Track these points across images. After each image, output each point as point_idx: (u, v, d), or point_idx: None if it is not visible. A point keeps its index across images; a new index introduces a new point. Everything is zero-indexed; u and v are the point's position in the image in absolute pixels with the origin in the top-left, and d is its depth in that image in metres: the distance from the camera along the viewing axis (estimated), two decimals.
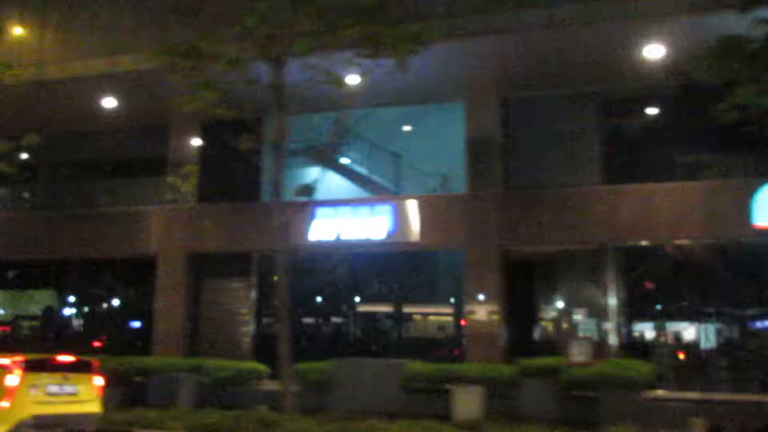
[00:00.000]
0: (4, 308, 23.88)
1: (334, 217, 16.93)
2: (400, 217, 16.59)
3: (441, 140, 18.46)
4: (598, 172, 16.20)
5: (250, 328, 17.58)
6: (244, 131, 18.02)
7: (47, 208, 20.26)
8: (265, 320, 17.73)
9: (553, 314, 17.23)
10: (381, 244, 16.66)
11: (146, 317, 18.30)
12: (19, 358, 10.10)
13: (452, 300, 17.66)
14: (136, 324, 19.22)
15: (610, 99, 16.46)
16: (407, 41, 11.68)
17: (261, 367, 14.54)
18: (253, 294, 17.80)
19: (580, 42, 14.42)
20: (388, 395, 12.88)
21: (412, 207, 16.58)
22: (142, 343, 17.91)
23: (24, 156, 18.02)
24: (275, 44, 12.31)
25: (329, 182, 19.26)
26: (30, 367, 10.18)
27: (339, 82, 12.49)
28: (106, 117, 18.16)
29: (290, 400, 11.10)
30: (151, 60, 13.79)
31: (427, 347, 16.67)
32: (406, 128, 19.81)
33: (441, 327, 18.59)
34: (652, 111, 16.79)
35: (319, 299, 18.66)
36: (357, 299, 18.52)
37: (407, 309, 18.40)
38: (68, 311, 20.56)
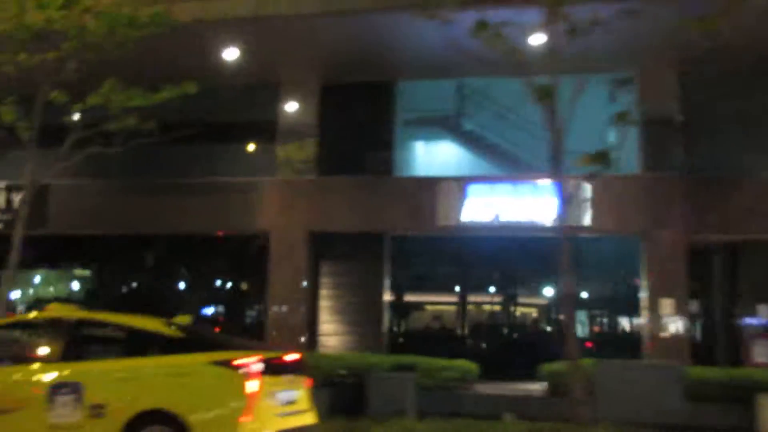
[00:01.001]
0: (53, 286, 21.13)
1: (490, 195, 14.71)
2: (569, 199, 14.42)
3: (589, 115, 16.42)
4: None
5: (384, 320, 15.24)
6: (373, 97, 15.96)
7: (133, 175, 17.41)
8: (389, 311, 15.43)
9: (734, 309, 15.35)
10: (545, 228, 14.49)
11: (247, 302, 15.86)
12: (254, 356, 7.60)
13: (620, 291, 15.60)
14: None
15: None
16: None
17: (473, 366, 12.26)
18: (386, 280, 15.44)
19: None
20: (668, 404, 10.76)
21: (582, 187, 14.44)
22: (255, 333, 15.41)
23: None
24: None
25: (462, 157, 17.08)
26: (267, 368, 7.72)
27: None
28: (219, 73, 15.44)
29: (587, 410, 8.85)
30: None
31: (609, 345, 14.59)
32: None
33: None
34: None
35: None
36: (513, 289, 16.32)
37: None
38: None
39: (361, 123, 15.78)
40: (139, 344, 7.91)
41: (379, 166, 15.78)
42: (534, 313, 17.83)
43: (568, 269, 9.44)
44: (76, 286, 25.66)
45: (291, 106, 16.11)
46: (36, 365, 7.81)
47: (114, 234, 16.83)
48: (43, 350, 8.05)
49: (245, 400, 7.29)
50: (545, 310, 17.56)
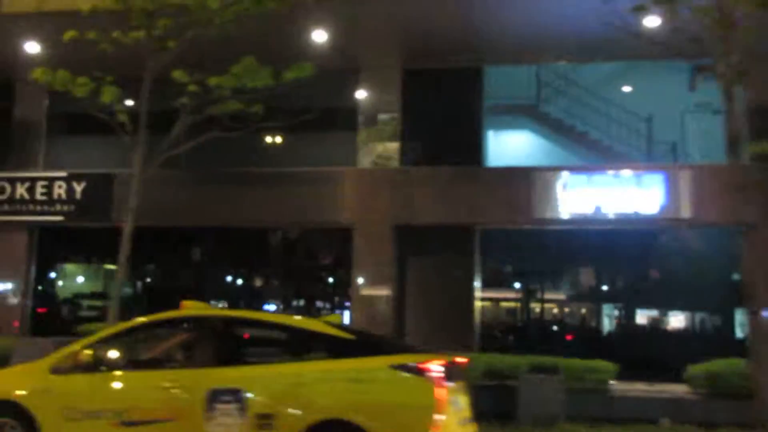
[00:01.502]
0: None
1: (589, 186, 13.96)
2: (673, 189, 13.71)
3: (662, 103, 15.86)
4: None
5: (474, 317, 14.47)
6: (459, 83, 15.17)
7: (203, 166, 16.48)
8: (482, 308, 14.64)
9: None
10: (650, 219, 13.76)
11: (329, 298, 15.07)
12: (438, 361, 6.82)
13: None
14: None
15: None
16: None
17: (612, 366, 11.47)
18: (477, 276, 14.66)
19: None
20: None
21: (689, 177, 13.72)
22: None
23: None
24: None
25: (545, 146, 16.35)
26: (448, 373, 6.95)
27: None
28: (298, 58, 14.58)
29: None
30: None
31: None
32: (626, 88, 16.96)
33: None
34: None
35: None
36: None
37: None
38: None
39: (446, 110, 14.99)
40: (304, 346, 7.15)
41: (467, 156, 15.00)
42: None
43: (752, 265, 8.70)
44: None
45: (372, 93, 15.30)
46: (186, 370, 7.04)
47: (185, 226, 16.02)
48: (193, 353, 7.27)
49: (434, 408, 6.55)
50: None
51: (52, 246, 16.73)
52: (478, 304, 14.56)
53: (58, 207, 15.80)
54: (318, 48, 14.08)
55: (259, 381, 6.72)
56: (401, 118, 15.05)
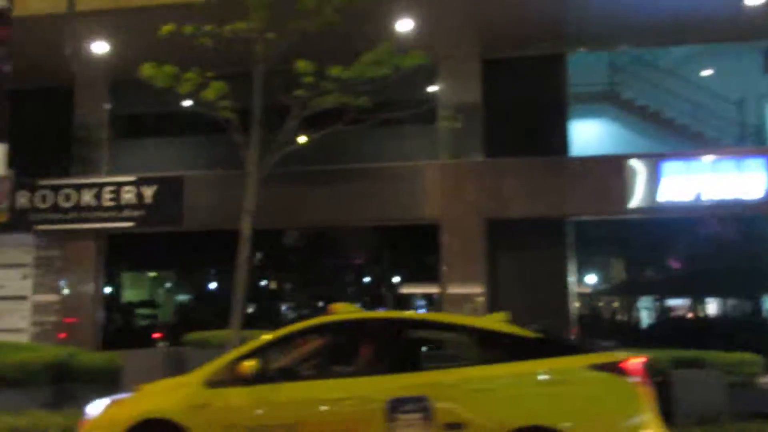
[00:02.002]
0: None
1: (687, 173, 13.43)
2: None
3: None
4: None
5: (570, 311, 13.93)
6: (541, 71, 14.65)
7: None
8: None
9: None
10: (754, 205, 13.23)
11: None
12: (639, 358, 6.29)
13: None
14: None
15: None
16: None
17: (757, 357, 10.89)
18: (571, 270, 14.13)
19: None
20: None
21: None
22: None
23: None
24: None
25: (628, 133, 15.80)
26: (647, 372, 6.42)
27: None
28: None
29: None
30: None
31: None
32: (706, 72, 16.42)
33: None
34: None
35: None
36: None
37: None
38: None
39: (528, 99, 14.47)
40: (489, 348, 6.60)
41: (552, 146, 14.49)
42: None
43: None
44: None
45: (451, 84, 14.77)
46: (359, 378, 6.48)
47: (268, 228, 15.51)
48: (364, 360, 6.73)
49: (644, 412, 6.04)
50: None
51: (114, 254, 16.21)
52: (573, 298, 14.04)
53: (127, 212, 15.30)
54: (399, 38, 13.54)
55: (443, 387, 6.18)
56: (483, 109, 14.51)
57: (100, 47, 14.33)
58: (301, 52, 10.16)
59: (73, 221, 15.46)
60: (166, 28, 10.06)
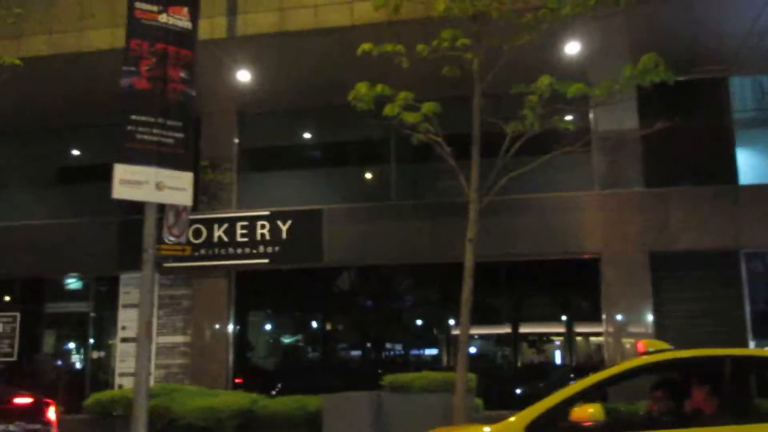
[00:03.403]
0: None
1: None
2: None
3: None
4: None
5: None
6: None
7: (406, 196, 15.31)
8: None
9: None
10: None
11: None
12: None
13: None
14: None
15: None
16: None
17: None
18: (746, 305, 13.26)
19: None
20: None
21: None
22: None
23: None
24: None
25: None
26: None
27: None
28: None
29: None
30: None
31: None
32: None
33: None
34: None
35: None
36: None
37: None
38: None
39: (690, 125, 13.75)
40: None
41: (717, 174, 13.76)
42: None
43: None
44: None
45: (605, 110, 14.09)
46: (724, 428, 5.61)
47: (394, 264, 14.87)
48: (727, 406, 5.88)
49: None
50: None
51: (245, 292, 15.46)
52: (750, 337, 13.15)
53: (261, 249, 14.59)
54: (559, 61, 12.95)
55: None
56: (640, 135, 13.81)
57: (242, 75, 13.80)
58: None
59: (203, 258, 14.76)
60: (365, 46, 9.45)
